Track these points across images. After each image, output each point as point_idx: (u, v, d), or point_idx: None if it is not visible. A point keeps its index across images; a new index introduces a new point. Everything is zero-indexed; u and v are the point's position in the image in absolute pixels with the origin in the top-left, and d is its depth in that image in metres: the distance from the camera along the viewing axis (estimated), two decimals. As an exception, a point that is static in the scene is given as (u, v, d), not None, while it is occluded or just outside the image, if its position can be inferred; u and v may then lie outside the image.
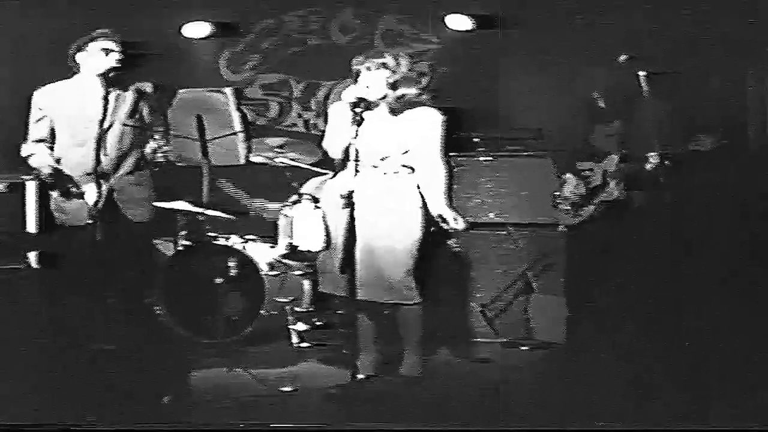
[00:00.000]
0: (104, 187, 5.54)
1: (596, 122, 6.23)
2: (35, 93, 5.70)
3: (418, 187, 5.33)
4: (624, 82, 5.84)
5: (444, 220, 5.29)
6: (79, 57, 5.61)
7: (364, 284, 5.14)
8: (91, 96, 5.57)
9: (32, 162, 5.68)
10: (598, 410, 4.73)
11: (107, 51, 5.58)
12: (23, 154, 5.69)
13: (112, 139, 5.60)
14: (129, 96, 5.67)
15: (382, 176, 5.33)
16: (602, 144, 6.04)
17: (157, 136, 5.60)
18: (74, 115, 5.59)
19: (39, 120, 5.67)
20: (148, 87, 5.75)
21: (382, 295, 5.27)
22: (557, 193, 5.96)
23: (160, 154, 5.59)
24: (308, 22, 7.37)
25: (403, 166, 5.34)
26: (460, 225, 5.32)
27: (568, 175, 5.94)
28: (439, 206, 5.30)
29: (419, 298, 5.29)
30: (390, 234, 5.27)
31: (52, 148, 5.65)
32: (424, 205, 5.32)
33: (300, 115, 7.47)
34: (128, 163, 5.66)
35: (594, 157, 6.00)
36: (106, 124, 5.55)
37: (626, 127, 5.99)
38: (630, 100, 5.85)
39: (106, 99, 5.56)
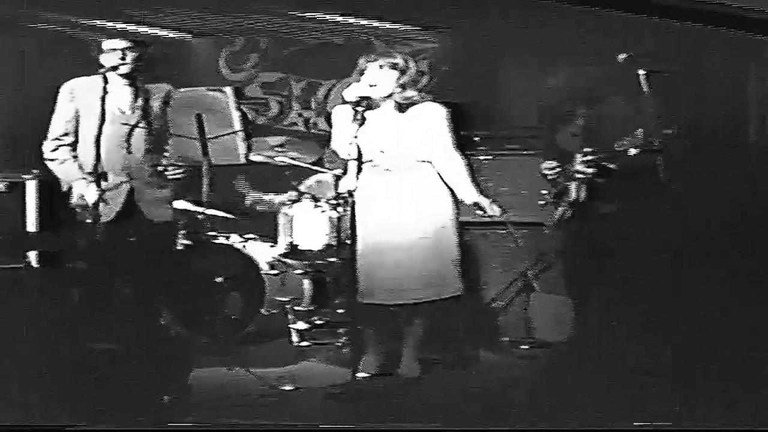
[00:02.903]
0: (125, 186, 5.53)
1: (561, 122, 6.22)
2: (64, 85, 5.64)
3: (442, 179, 5.38)
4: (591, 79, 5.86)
5: (480, 208, 5.35)
6: (101, 58, 5.59)
7: (404, 286, 5.22)
8: (114, 94, 5.52)
9: (56, 170, 5.61)
10: (597, 410, 4.74)
11: (118, 49, 5.56)
12: (45, 154, 5.62)
13: (137, 138, 5.59)
14: (146, 96, 5.67)
15: (395, 173, 5.36)
16: (567, 144, 6.03)
17: (167, 154, 5.57)
18: (99, 112, 5.51)
19: (65, 113, 5.60)
20: (171, 89, 5.75)
21: (422, 293, 5.31)
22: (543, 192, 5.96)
23: (170, 172, 5.57)
24: (308, 21, 7.37)
25: (418, 161, 5.39)
26: (497, 211, 5.38)
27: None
28: (472, 195, 5.39)
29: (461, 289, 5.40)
30: (413, 229, 5.30)
31: (74, 146, 5.59)
32: (453, 196, 5.37)
33: (300, 114, 7.48)
34: (150, 163, 5.65)
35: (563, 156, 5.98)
36: (129, 123, 5.53)
37: (589, 126, 5.98)
38: (594, 97, 5.84)
39: (127, 98, 5.56)
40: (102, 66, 5.54)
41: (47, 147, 5.60)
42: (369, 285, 5.31)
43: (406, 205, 5.37)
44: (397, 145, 5.39)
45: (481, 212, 5.42)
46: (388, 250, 5.32)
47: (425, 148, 5.39)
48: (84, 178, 5.52)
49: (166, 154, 5.56)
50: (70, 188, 5.58)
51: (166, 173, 5.53)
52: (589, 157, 5.57)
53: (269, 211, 6.43)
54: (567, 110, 5.95)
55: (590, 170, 5.60)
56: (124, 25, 6.53)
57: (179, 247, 6.28)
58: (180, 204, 6.11)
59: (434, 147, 5.38)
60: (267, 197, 6.52)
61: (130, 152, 5.55)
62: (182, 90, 6.15)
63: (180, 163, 5.58)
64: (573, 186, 5.71)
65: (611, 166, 5.56)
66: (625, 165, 5.56)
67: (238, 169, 6.90)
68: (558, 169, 5.68)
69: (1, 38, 6.74)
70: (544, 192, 6.01)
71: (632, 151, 5.44)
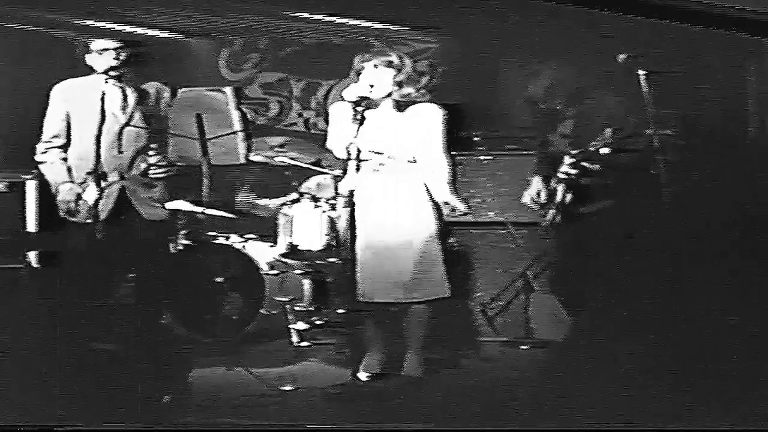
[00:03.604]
0: (116, 186, 5.54)
1: (554, 122, 6.23)
2: (55, 87, 5.65)
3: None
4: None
5: (449, 206, 5.37)
6: (88, 58, 5.59)
7: (400, 287, 5.24)
8: (106, 94, 5.52)
9: (45, 172, 5.63)
10: (597, 410, 4.74)
11: (109, 50, 5.56)
12: (37, 157, 5.63)
13: (127, 137, 5.59)
14: (138, 96, 5.66)
15: (390, 173, 5.37)
16: (558, 145, 6.05)
17: (151, 152, 5.58)
18: (91, 112, 5.52)
19: (56, 114, 5.61)
20: (161, 87, 5.74)
21: (415, 294, 5.33)
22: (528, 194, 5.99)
23: (152, 171, 5.58)
24: (308, 21, 7.36)
25: (409, 162, 5.40)
26: (465, 208, 5.41)
27: (535, 178, 5.95)
28: (444, 194, 5.40)
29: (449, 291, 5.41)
30: (409, 230, 5.32)
31: (65, 148, 5.60)
32: (431, 197, 5.38)
33: (300, 114, 7.47)
34: (142, 162, 5.65)
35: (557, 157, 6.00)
36: (120, 123, 5.54)
37: (577, 126, 5.99)
38: (586, 97, 5.85)
39: (117, 97, 5.55)
40: (89, 66, 5.55)
41: (38, 149, 5.62)
42: (368, 285, 5.33)
43: (402, 205, 5.39)
44: (395, 145, 5.40)
45: (448, 210, 5.44)
46: (385, 250, 5.34)
47: (417, 148, 5.40)
48: (70, 181, 5.54)
49: (150, 152, 5.57)
50: (58, 190, 5.60)
51: (149, 172, 5.55)
52: (574, 159, 5.60)
53: (267, 214, 6.44)
54: (560, 110, 5.97)
55: (574, 171, 5.63)
56: (122, 26, 6.52)
57: (179, 247, 6.28)
58: (180, 204, 6.11)
59: (424, 148, 5.40)
60: (262, 202, 6.52)
61: (120, 152, 5.56)
62: (182, 90, 6.17)
63: (163, 163, 5.59)
64: (561, 188, 5.73)
65: (590, 166, 5.59)
66: (622, 165, 5.57)
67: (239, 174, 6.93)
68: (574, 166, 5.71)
69: (1, 38, 6.74)
70: (537, 191, 6.04)
71: (603, 151, 5.46)
